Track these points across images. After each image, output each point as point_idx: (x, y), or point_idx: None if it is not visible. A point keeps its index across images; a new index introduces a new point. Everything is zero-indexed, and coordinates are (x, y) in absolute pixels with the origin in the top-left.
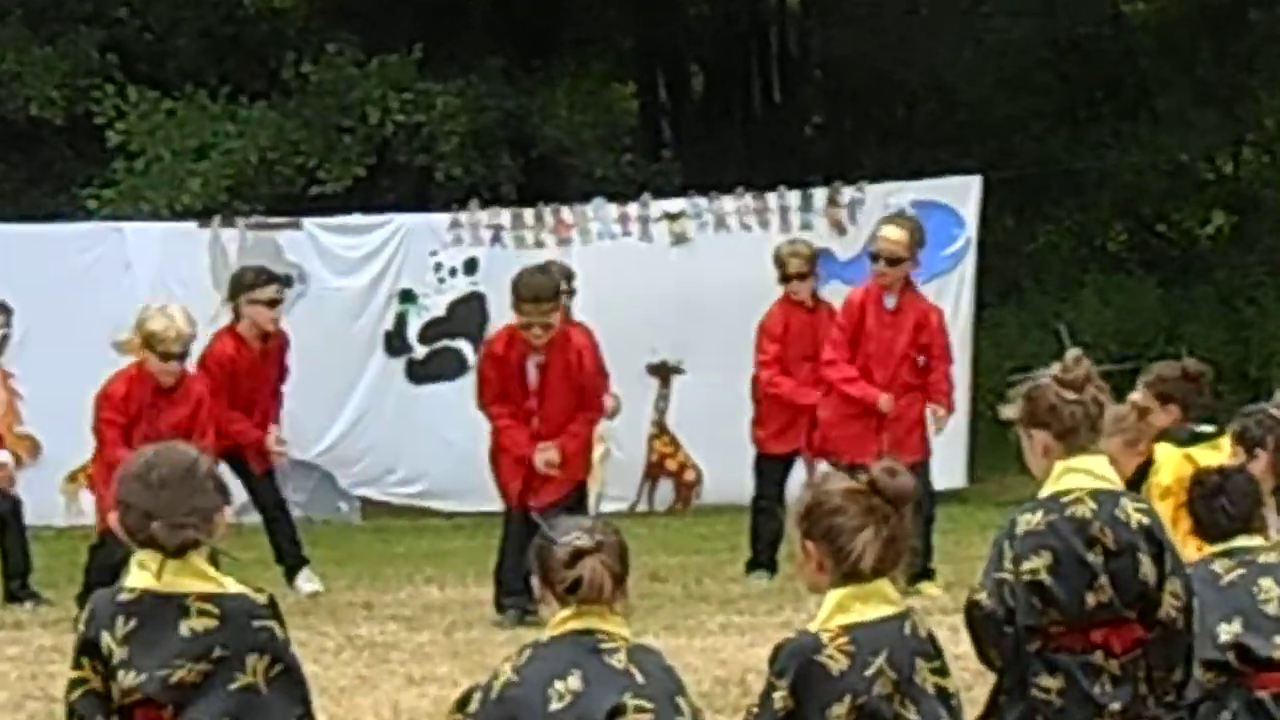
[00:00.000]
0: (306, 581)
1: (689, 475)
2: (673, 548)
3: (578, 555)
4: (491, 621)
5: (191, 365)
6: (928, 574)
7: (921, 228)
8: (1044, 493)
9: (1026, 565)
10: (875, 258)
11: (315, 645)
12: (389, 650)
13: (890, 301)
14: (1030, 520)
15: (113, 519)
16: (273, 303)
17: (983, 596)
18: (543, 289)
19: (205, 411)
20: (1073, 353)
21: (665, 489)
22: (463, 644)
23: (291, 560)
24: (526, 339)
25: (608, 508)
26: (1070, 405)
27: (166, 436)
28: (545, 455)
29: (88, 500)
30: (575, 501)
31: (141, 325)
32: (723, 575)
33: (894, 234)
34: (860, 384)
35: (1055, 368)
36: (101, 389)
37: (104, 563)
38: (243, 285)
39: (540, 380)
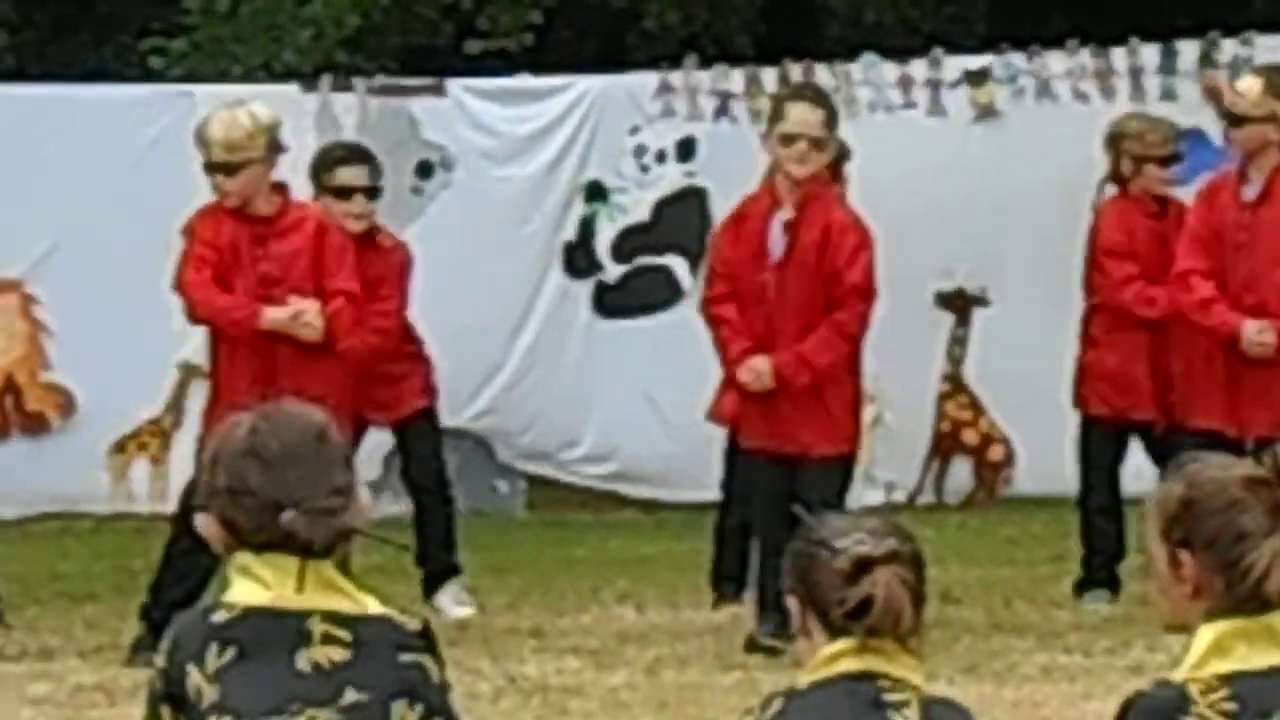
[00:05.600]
0: (453, 601)
1: (995, 453)
2: (971, 556)
3: (864, 566)
4: (744, 649)
5: None
6: None
7: None
8: None
9: None
10: (1226, 122)
11: (465, 688)
12: (568, 696)
13: (1251, 187)
14: None
15: (204, 521)
16: (345, 191)
17: None
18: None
19: (335, 255)
20: None
21: (961, 471)
22: (672, 689)
23: (437, 567)
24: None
25: (875, 497)
26: None
27: (261, 290)
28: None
29: (141, 476)
30: (840, 483)
31: None
32: (1043, 596)
33: (1243, 84)
34: (1217, 307)
35: None
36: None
37: (187, 568)
38: (316, 168)
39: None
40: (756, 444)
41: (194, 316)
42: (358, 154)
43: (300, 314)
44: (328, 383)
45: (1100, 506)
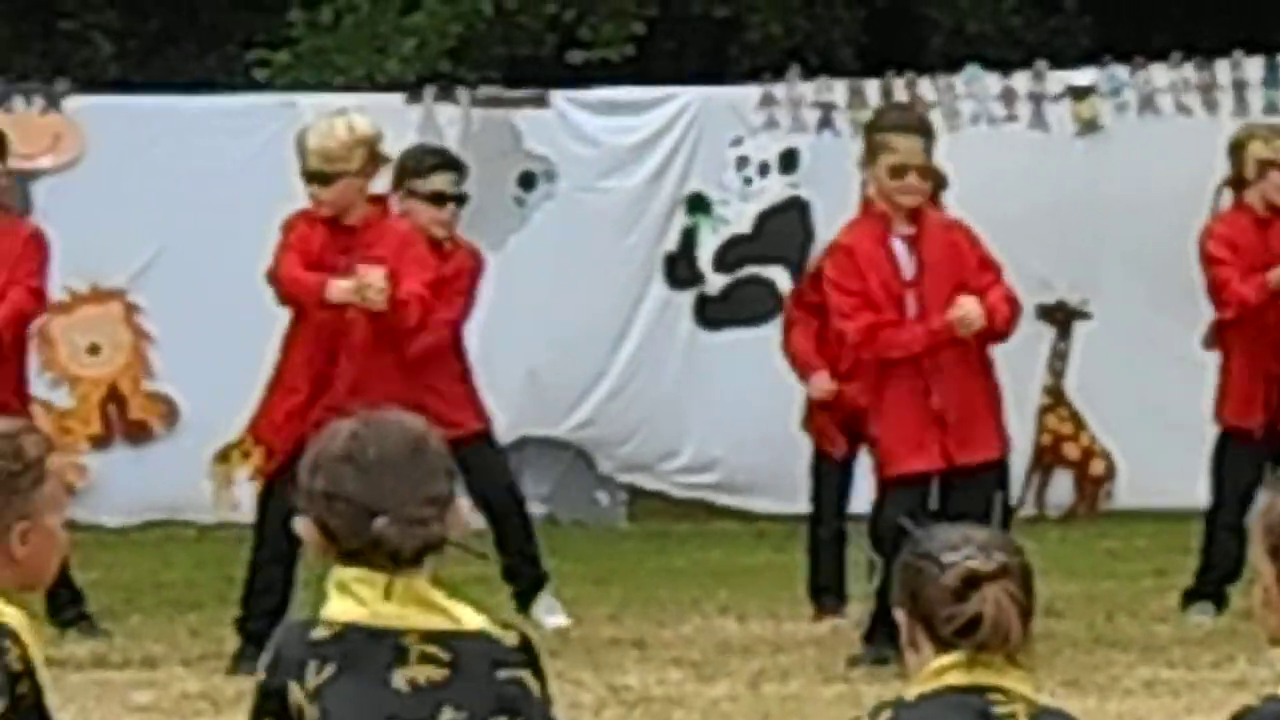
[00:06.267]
0: (549, 611)
1: (1096, 466)
2: (1073, 569)
3: (973, 582)
4: (846, 661)
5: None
6: None
7: None
8: None
9: None
10: None
11: (568, 698)
12: (671, 707)
13: None
14: None
15: (303, 525)
16: (440, 198)
17: None
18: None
19: (413, 263)
20: None
21: (1062, 485)
22: (774, 701)
23: (527, 579)
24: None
25: None
26: None
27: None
28: None
29: (244, 486)
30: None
31: None
32: (1145, 611)
33: None
34: None
35: None
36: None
37: (273, 577)
38: (404, 171)
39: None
40: (920, 467)
41: (279, 295)
42: (450, 160)
43: (366, 285)
44: (384, 390)
45: (1228, 524)
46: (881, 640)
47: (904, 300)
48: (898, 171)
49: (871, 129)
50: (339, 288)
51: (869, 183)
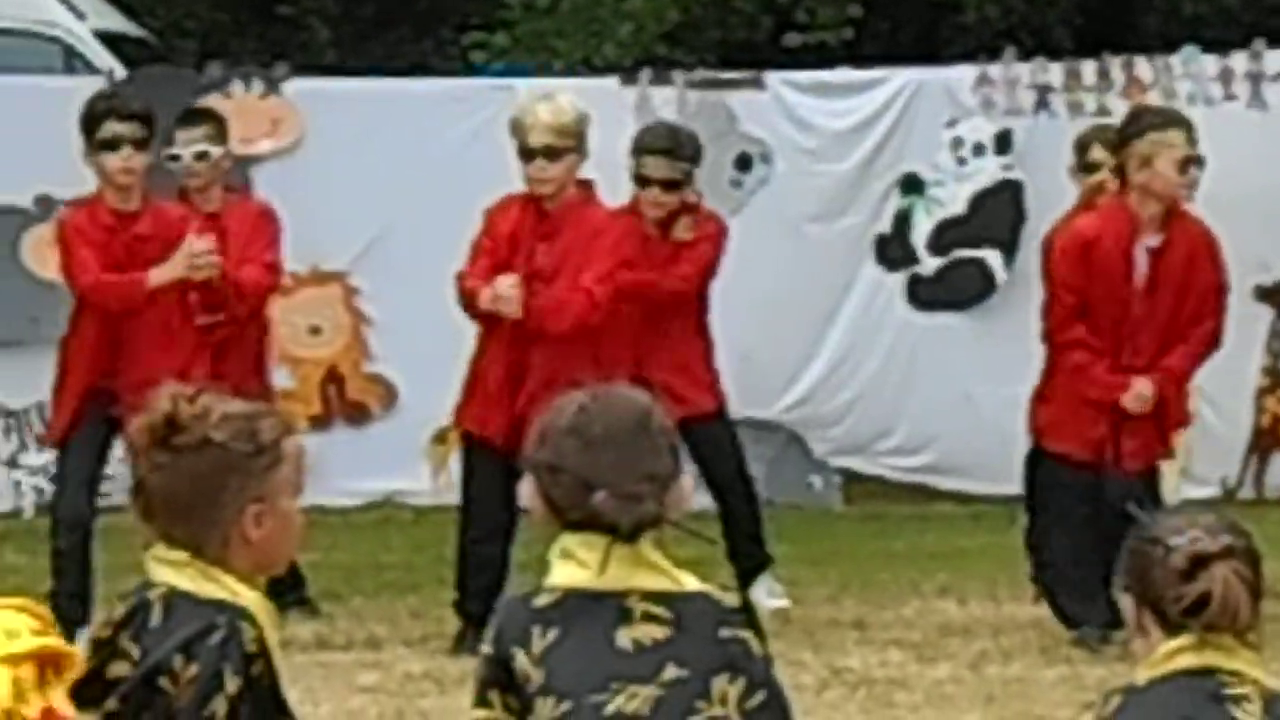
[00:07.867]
0: (769, 593)
1: None
2: None
3: (1200, 562)
4: (1068, 643)
5: None
6: None
7: None
8: None
9: None
10: None
11: (789, 679)
12: (893, 689)
13: None
14: None
15: (527, 492)
16: (644, 181)
17: None
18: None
19: (603, 251)
20: None
21: None
22: (998, 683)
23: (748, 562)
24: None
25: (1193, 492)
26: None
27: (536, 283)
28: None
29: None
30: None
31: None
32: None
33: None
34: None
35: None
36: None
37: (485, 556)
38: (632, 148)
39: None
40: (1078, 452)
41: (459, 302)
42: (662, 145)
43: (496, 295)
44: (577, 369)
45: None
46: (1104, 622)
47: (1130, 306)
48: (1185, 165)
49: (1135, 133)
50: (482, 298)
51: (1120, 184)
